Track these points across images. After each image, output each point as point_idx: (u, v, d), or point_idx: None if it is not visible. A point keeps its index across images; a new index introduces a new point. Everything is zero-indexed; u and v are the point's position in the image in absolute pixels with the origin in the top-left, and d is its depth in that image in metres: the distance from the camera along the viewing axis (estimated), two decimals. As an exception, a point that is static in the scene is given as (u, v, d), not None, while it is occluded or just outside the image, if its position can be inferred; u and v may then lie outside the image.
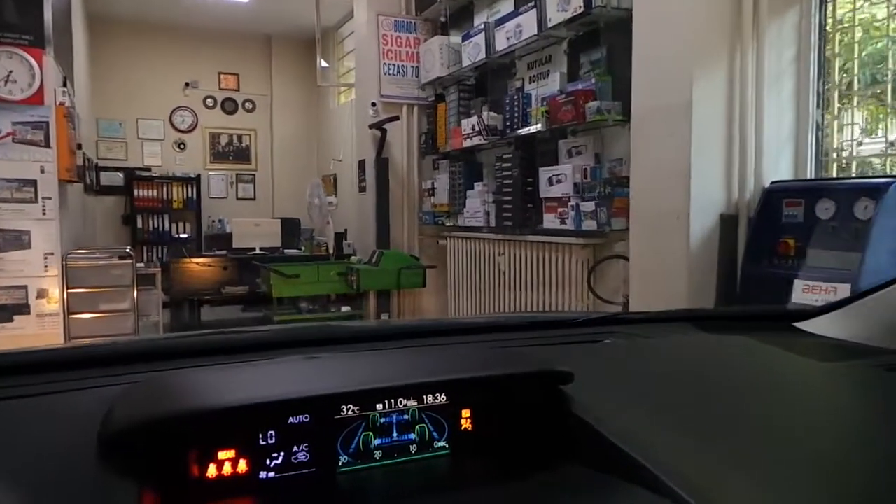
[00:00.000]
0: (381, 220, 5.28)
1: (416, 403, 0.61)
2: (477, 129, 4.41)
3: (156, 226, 8.06)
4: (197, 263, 6.31)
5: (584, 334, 0.97)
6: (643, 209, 3.04)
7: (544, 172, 3.78)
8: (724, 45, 2.79)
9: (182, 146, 8.44)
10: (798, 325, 1.02)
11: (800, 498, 0.52)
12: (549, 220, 3.76)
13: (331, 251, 6.02)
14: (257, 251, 6.67)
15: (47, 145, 3.92)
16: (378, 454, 0.60)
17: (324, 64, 7.97)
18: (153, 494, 0.50)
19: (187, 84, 8.37)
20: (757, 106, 2.82)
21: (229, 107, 8.67)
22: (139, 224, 7.95)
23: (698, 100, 2.76)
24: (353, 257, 5.77)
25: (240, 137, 8.74)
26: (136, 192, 7.92)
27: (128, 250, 4.52)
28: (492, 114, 4.35)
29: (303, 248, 7.26)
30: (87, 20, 7.36)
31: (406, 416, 0.60)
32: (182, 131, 8.44)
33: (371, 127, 5.35)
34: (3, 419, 0.58)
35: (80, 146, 4.55)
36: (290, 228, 7.41)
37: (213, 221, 8.41)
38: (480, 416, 0.64)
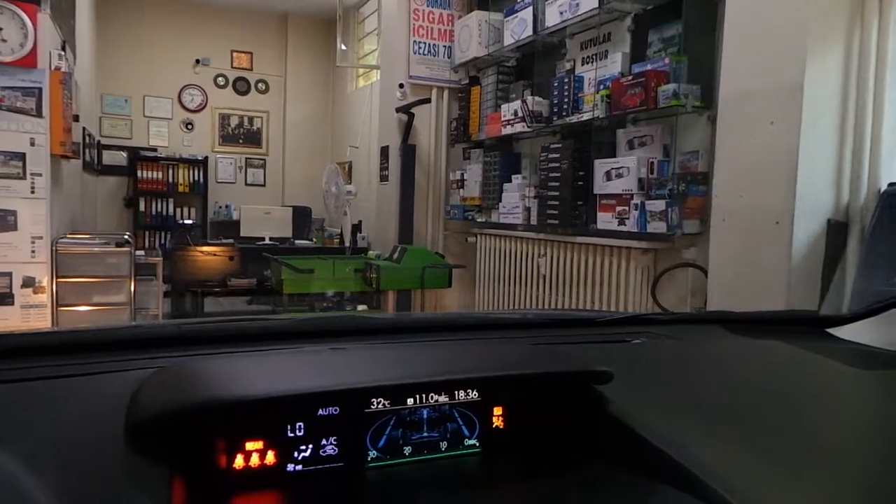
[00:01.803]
0: (405, 213, 4.83)
1: (447, 399, 0.59)
2: (520, 115, 3.95)
3: (159, 210, 7.62)
4: (202, 252, 5.86)
5: (612, 333, 0.93)
6: (729, 211, 2.59)
7: (601, 165, 3.32)
8: (842, 17, 2.33)
9: (190, 126, 8.00)
10: (830, 330, 1.00)
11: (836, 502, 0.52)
12: (605, 220, 3.31)
13: (346, 244, 5.57)
14: (266, 241, 6.23)
15: (39, 114, 3.47)
16: (407, 450, 0.58)
17: (342, 47, 7.53)
18: (182, 483, 0.49)
19: (198, 61, 7.92)
20: (876, 92, 2.36)
21: (241, 87, 8.21)
22: (142, 208, 7.51)
23: (811, 81, 2.30)
24: (370, 252, 5.32)
25: (251, 120, 8.29)
26: (139, 173, 7.49)
27: (126, 237, 4.07)
28: (537, 99, 3.89)
29: (314, 240, 6.82)
30: (94, -12, 6.91)
31: (437, 413, 0.59)
32: (191, 111, 8.00)
33: (398, 110, 4.89)
34: (27, 400, 0.55)
35: (77, 118, 4.11)
36: (301, 218, 6.97)
37: (220, 207, 7.98)
38: (512, 415, 0.63)
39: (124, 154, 7.61)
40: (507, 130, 4.11)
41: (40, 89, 3.46)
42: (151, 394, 0.53)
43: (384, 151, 5.24)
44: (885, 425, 0.70)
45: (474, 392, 0.60)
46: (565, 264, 3.66)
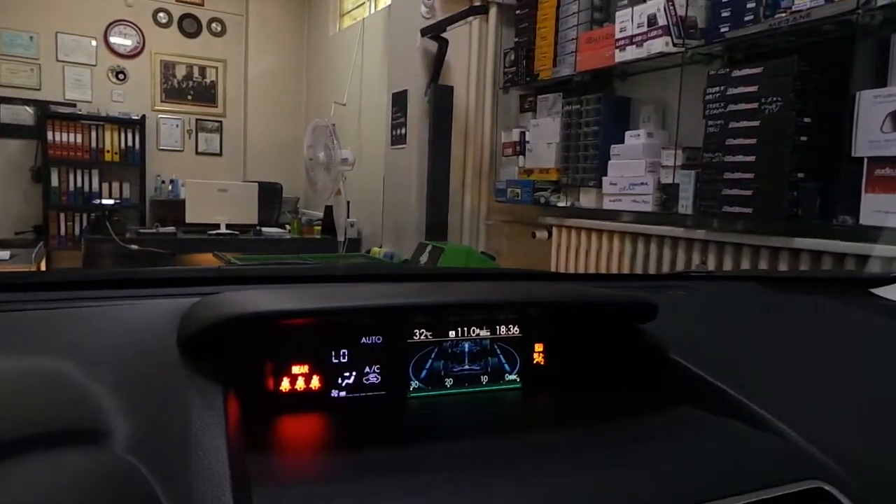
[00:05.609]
0: (438, 194, 3.15)
1: (489, 334, 0.61)
2: (660, 24, 2.31)
3: (79, 185, 5.76)
4: (126, 245, 4.09)
5: (650, 287, 0.90)
6: None
7: (877, 101, 1.71)
8: None
9: (121, 76, 6.12)
10: (875, 290, 0.94)
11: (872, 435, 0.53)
12: (883, 207, 1.71)
13: (338, 237, 3.89)
14: (222, 229, 4.49)
15: None
16: (449, 382, 0.60)
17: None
18: (236, 397, 0.48)
19: (130, -10, 6.02)
20: None
21: (189, 27, 6.34)
22: (54, 182, 5.65)
23: None
24: (373, 249, 3.65)
25: (203, 70, 6.44)
26: (51, 135, 5.60)
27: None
28: (690, -4, 2.25)
29: (288, 227, 5.08)
30: None
31: (478, 346, 0.60)
32: (122, 56, 6.11)
33: (424, 34, 3.18)
34: (83, 322, 0.55)
35: None
36: (270, 197, 5.23)
37: (163, 182, 6.17)
38: (553, 351, 0.64)
39: (30, 109, 5.70)
40: (629, 54, 2.45)
41: None
42: (201, 311, 0.53)
43: (399, 100, 3.53)
44: None
45: (515, 328, 0.61)
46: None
